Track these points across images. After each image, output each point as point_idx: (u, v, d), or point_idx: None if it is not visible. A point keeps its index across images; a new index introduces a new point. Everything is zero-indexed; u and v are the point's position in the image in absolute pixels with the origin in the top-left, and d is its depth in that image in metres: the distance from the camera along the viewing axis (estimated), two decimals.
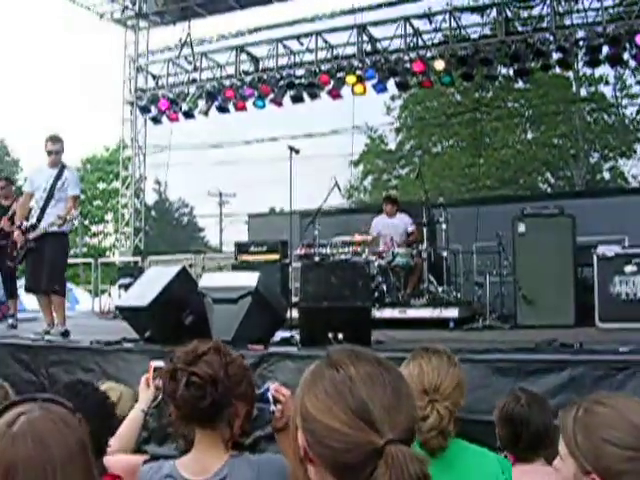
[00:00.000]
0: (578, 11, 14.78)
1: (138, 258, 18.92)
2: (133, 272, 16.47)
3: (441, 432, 2.58)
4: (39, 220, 8.64)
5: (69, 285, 22.89)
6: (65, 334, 8.52)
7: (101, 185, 48.71)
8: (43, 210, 8.66)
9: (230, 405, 2.49)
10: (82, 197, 47.05)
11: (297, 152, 8.91)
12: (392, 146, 37.14)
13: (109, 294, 17.46)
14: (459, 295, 11.29)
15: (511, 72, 16.05)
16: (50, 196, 8.68)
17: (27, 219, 8.80)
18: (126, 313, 7.83)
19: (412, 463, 1.35)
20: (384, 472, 1.34)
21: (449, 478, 2.52)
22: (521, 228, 10.13)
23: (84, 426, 1.63)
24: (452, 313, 10.30)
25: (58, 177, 8.74)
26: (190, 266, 13.93)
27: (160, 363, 3.46)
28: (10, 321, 10.86)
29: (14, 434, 1.51)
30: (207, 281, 7.59)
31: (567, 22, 14.87)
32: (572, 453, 1.88)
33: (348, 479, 1.40)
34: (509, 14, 15.48)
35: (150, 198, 23.51)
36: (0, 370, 7.53)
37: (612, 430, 1.83)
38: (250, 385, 2.64)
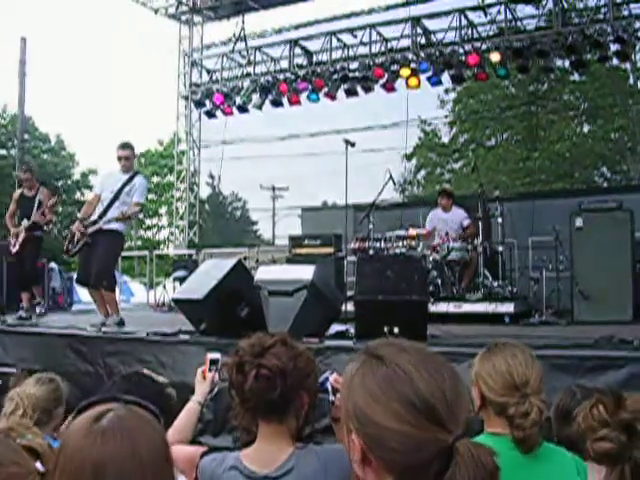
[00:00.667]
0: (636, 1, 14.49)
1: (193, 251, 19.08)
2: (187, 265, 16.63)
3: (541, 427, 2.55)
4: (100, 218, 8.79)
5: (124, 278, 23.22)
6: (120, 323, 8.66)
7: (155, 179, 49.22)
8: (106, 210, 8.81)
9: (297, 397, 2.50)
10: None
11: (353, 145, 8.91)
12: (445, 140, 36.91)
13: (164, 287, 17.61)
14: (514, 290, 11.18)
15: (567, 64, 15.84)
16: (115, 198, 8.83)
17: (89, 216, 8.95)
18: (182, 305, 7.90)
19: (485, 456, 1.31)
20: (462, 469, 1.29)
21: (535, 475, 2.50)
22: (578, 222, 9.97)
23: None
24: (508, 308, 10.20)
25: (127, 182, 8.89)
26: (244, 259, 14.00)
27: (216, 355, 3.47)
28: (38, 310, 11.07)
29: (103, 429, 1.44)
30: (263, 274, 7.62)
31: (625, 13, 14.60)
32: None
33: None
34: (565, 5, 15.26)
35: (203, 192, 23.70)
36: (57, 360, 7.68)
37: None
38: (316, 377, 2.64)
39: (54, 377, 4.35)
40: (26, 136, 33.48)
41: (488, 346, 2.82)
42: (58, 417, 4.04)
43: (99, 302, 8.92)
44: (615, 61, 16.71)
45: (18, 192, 11.02)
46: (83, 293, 24.03)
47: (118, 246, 9.29)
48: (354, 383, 1.43)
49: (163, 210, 48.99)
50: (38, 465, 1.77)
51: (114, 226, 8.74)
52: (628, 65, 26.61)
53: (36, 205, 10.60)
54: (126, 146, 9.05)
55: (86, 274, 8.85)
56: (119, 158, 8.95)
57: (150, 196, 48.70)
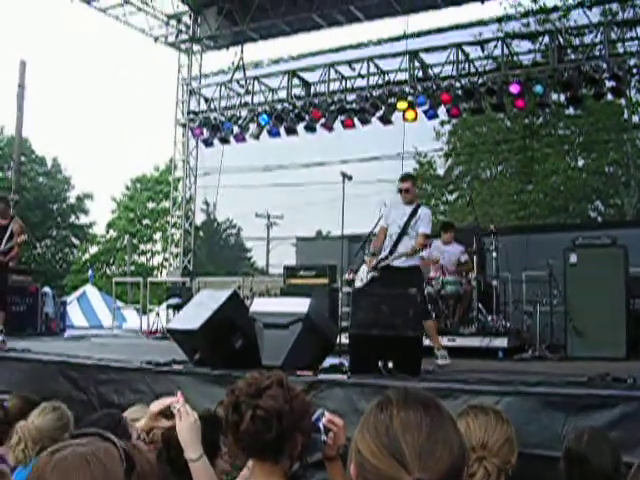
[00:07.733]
0: (632, 39, 14.66)
1: (187, 279, 19.05)
2: (181, 292, 16.60)
3: None
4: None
5: (118, 304, 23.16)
6: None
7: (150, 204, 49.30)
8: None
9: (292, 438, 2.50)
10: (131, 216, 48.18)
11: (350, 179, 8.93)
12: (441, 172, 36.99)
13: (157, 314, 17.53)
14: (508, 324, 11.18)
15: (563, 99, 15.94)
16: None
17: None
18: (177, 335, 7.87)
19: None
20: None
21: None
22: (573, 258, 10.01)
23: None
24: (501, 343, 10.23)
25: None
26: (238, 288, 13.99)
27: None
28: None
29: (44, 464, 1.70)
30: (258, 306, 7.62)
31: (620, 50, 14.76)
32: None
33: None
34: (561, 41, 15.41)
35: (198, 218, 23.64)
36: (50, 387, 7.63)
37: None
38: (310, 418, 2.65)
39: (58, 405, 4.34)
40: (22, 158, 33.52)
41: (462, 410, 2.95)
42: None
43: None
44: (610, 97, 16.83)
45: None
46: (75, 319, 24.03)
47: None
48: (362, 420, 1.64)
49: (158, 236, 49.02)
50: None
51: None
52: (622, 100, 26.83)
53: (8, 234, 10.64)
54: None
55: None
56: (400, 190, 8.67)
57: (145, 221, 48.80)
